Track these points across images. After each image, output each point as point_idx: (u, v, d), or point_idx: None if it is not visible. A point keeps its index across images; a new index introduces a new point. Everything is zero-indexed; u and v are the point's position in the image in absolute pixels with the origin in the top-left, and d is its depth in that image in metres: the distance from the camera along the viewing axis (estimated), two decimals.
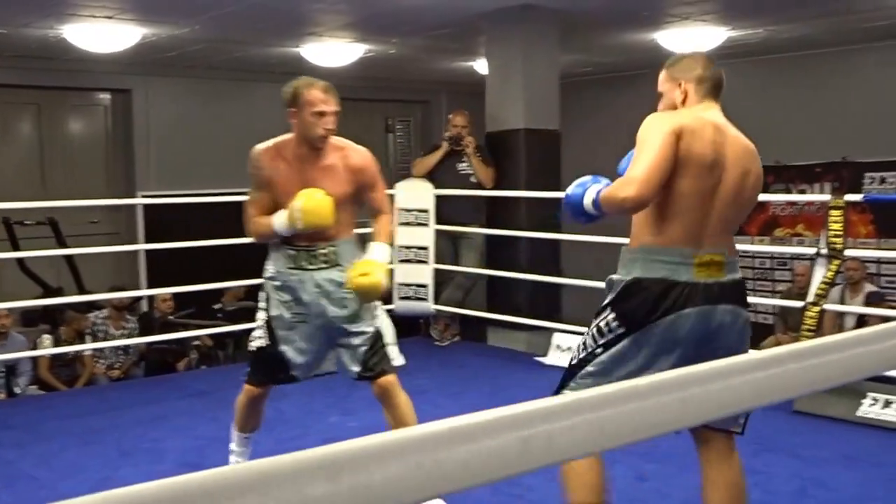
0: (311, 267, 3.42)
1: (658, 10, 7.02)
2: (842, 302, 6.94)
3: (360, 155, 3.50)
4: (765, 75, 9.54)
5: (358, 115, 11.16)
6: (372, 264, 3.36)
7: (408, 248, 6.73)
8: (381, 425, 3.49)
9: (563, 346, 5.96)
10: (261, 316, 3.50)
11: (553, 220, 6.63)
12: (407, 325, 7.88)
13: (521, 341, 6.62)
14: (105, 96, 9.65)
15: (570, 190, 2.83)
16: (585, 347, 2.73)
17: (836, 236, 4.78)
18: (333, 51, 8.26)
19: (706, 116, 2.66)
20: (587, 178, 2.83)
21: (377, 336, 3.49)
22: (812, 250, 5.02)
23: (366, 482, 0.75)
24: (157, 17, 6.78)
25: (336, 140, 3.44)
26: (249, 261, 5.03)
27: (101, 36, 7.06)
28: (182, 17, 6.86)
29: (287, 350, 3.46)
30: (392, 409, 3.48)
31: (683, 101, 2.73)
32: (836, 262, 4.83)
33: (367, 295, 3.37)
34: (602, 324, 2.68)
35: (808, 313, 4.83)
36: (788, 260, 8.77)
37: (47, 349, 6.83)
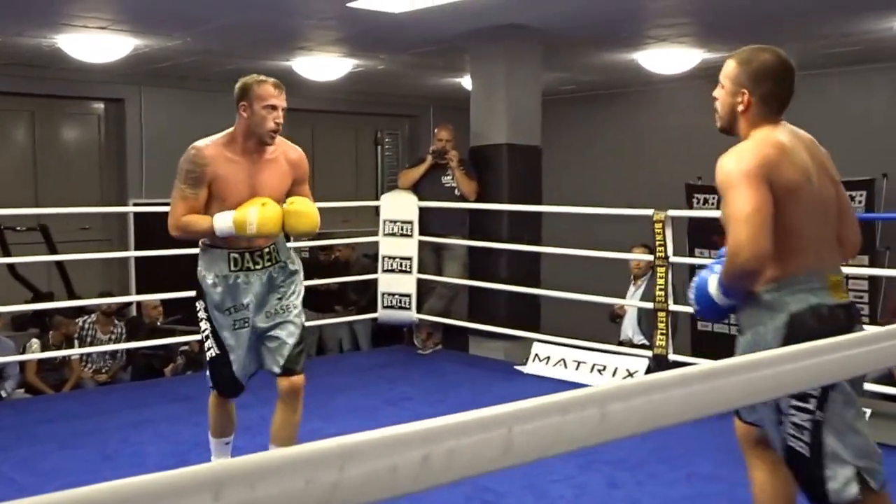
0: (256, 267, 3.39)
1: (637, 32, 7.06)
2: None
3: (296, 151, 3.54)
4: None
5: (348, 128, 11.20)
6: (304, 200, 3.39)
7: (392, 258, 6.72)
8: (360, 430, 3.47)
9: (542, 356, 5.97)
10: (206, 326, 3.44)
11: None
12: (390, 334, 7.90)
13: (502, 350, 6.63)
14: (98, 105, 9.61)
15: (696, 293, 2.53)
16: (803, 427, 2.29)
17: None
18: (323, 65, 8.26)
19: (780, 138, 2.40)
20: (704, 272, 2.52)
21: (303, 332, 3.51)
22: None
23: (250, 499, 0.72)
24: (150, 28, 6.77)
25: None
26: None
27: (95, 46, 7.04)
28: (174, 30, 6.85)
29: (234, 360, 3.42)
30: (291, 412, 3.45)
31: (744, 112, 2.46)
32: None
33: (302, 220, 3.36)
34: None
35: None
36: None
37: (35, 353, 6.77)
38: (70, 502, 0.67)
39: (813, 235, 2.38)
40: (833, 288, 2.37)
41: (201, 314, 3.44)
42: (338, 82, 8.90)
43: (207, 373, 3.53)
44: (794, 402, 2.28)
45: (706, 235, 9.29)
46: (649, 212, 5.42)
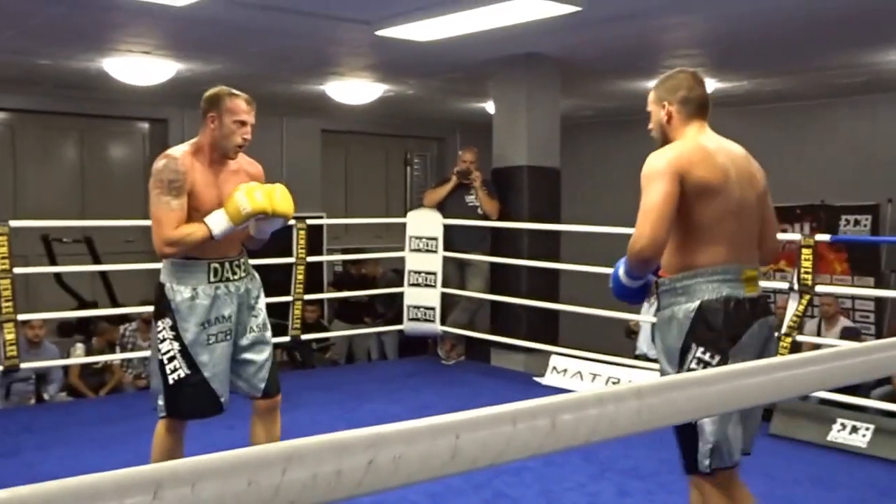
0: (234, 278, 3.18)
1: (652, 62, 7.06)
2: (818, 334, 6.92)
3: (255, 166, 3.32)
4: (749, 124, 9.55)
5: (379, 149, 11.25)
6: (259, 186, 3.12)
7: (417, 272, 6.73)
8: None
9: (560, 368, 5.95)
10: (171, 346, 3.09)
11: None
12: (416, 345, 7.91)
13: (522, 362, 6.62)
14: (143, 125, 9.70)
15: (612, 278, 2.72)
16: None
17: (806, 273, 4.86)
18: (355, 90, 8.30)
19: (703, 142, 2.56)
20: (621, 260, 2.70)
21: (274, 352, 3.35)
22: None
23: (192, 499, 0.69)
24: (191, 53, 6.84)
25: None
26: (270, 278, 5.00)
27: (139, 69, 7.11)
28: (213, 55, 6.91)
29: (211, 378, 3.11)
30: (274, 424, 3.29)
31: (668, 121, 2.63)
32: (807, 296, 4.90)
33: (288, 198, 3.14)
34: (693, 365, 2.45)
35: (782, 343, 4.84)
36: (771, 294, 8.73)
37: (79, 357, 6.82)
38: (19, 499, 0.65)
39: (729, 232, 2.50)
40: (747, 281, 2.50)
41: (164, 334, 3.10)
42: (370, 106, 8.94)
43: (161, 400, 3.16)
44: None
45: None
46: None
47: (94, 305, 7.96)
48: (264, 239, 3.32)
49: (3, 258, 5.09)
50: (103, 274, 8.21)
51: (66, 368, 6.80)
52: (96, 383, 7.03)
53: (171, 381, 3.11)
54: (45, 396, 6.50)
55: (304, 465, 0.75)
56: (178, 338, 3.08)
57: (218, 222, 3.03)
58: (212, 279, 3.12)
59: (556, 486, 3.90)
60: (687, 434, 2.49)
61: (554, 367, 6.00)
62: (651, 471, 4.12)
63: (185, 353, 3.08)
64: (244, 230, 3.21)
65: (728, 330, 2.43)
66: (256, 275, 3.35)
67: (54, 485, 0.67)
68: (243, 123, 3.11)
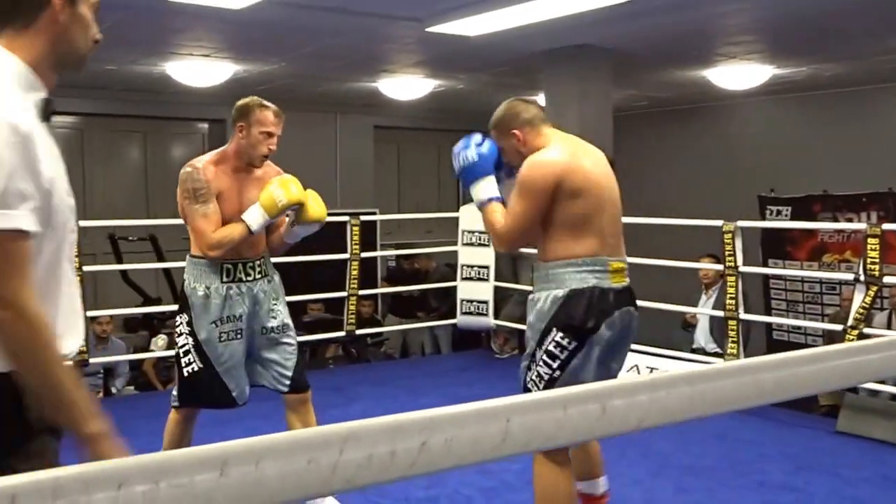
0: (248, 279, 3.25)
1: (707, 50, 6.93)
2: (888, 327, 6.72)
3: (275, 169, 3.40)
4: (810, 110, 9.36)
5: (431, 144, 11.25)
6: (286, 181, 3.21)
7: (470, 266, 6.72)
8: None
9: None
10: (187, 341, 3.24)
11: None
12: (469, 338, 7.90)
13: None
14: (203, 125, 9.86)
15: (465, 162, 2.92)
16: (542, 377, 2.69)
17: (873, 263, 4.69)
18: (406, 85, 8.32)
19: (572, 149, 2.74)
20: (479, 143, 2.90)
21: (299, 348, 3.42)
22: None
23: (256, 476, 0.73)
24: (249, 55, 6.92)
25: None
26: (325, 276, 5.05)
27: (199, 72, 7.23)
28: (270, 56, 6.98)
29: (223, 373, 3.23)
30: (308, 414, 3.34)
31: (524, 144, 2.77)
32: (874, 287, 4.73)
33: (320, 202, 3.25)
34: (551, 347, 2.66)
35: (848, 336, 4.71)
36: (837, 285, 8.53)
37: (161, 349, 6.97)
38: (96, 472, 0.68)
39: (598, 227, 2.68)
40: (614, 273, 2.69)
41: (182, 328, 3.25)
42: (421, 101, 8.95)
43: (175, 391, 3.33)
44: (545, 358, 2.70)
45: (779, 246, 9.07)
46: (718, 223, 5.30)
47: (159, 301, 8.12)
48: (290, 244, 3.42)
49: (74, 256, 5.20)
50: (167, 271, 8.37)
51: (132, 363, 6.95)
52: (166, 378, 7.18)
53: (185, 374, 3.25)
54: (113, 390, 6.66)
55: (361, 445, 0.77)
56: (192, 333, 3.22)
57: (255, 217, 3.14)
58: (224, 279, 3.22)
59: (612, 483, 3.84)
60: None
61: None
62: (709, 467, 4.06)
63: (198, 348, 3.21)
64: (274, 230, 3.33)
65: (588, 318, 2.62)
66: (276, 277, 3.42)
67: (147, 457, 0.71)
68: (270, 135, 3.21)
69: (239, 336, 3.24)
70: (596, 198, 2.68)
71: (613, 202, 2.77)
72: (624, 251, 2.81)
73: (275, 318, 3.32)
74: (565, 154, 2.70)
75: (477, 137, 2.92)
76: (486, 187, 2.83)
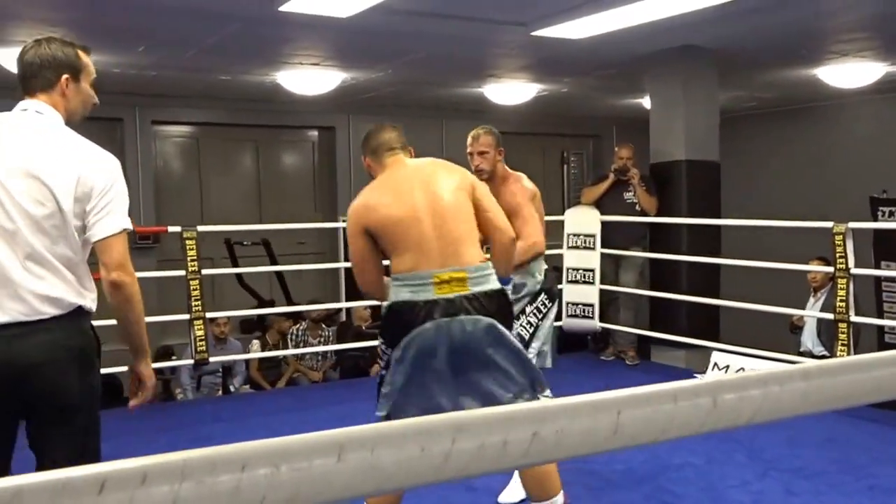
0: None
1: (817, 48, 6.70)
2: None
3: (515, 176, 3.88)
4: None
5: (536, 148, 11.22)
6: None
7: (575, 269, 6.68)
8: None
9: (721, 364, 5.74)
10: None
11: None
12: (574, 341, 7.84)
13: (682, 359, 6.45)
14: (313, 133, 10.10)
15: None
16: (380, 372, 2.91)
17: None
18: (512, 90, 8.33)
19: (383, 186, 2.90)
20: None
21: None
22: None
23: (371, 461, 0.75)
24: (357, 63, 7.05)
25: None
26: None
27: (309, 80, 7.40)
28: (377, 63, 7.10)
29: None
30: None
31: (372, 172, 3.02)
32: None
33: None
34: (380, 350, 2.90)
35: None
36: None
37: (256, 352, 7.20)
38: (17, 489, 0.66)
39: (414, 242, 2.74)
40: (438, 285, 2.69)
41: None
42: (526, 105, 8.95)
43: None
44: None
45: (892, 248, 8.67)
46: (829, 224, 5.13)
47: (272, 304, 8.37)
48: None
49: (193, 260, 5.40)
50: (279, 274, 8.62)
51: (247, 362, 7.19)
52: (274, 376, 7.39)
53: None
54: (231, 388, 6.89)
55: (473, 435, 0.78)
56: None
57: None
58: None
59: (720, 484, 3.78)
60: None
61: (715, 364, 5.80)
62: (819, 470, 3.92)
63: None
64: None
65: (397, 329, 2.72)
66: None
67: (268, 442, 0.74)
68: (471, 155, 3.72)
69: None
70: (402, 226, 2.77)
71: (441, 215, 2.77)
72: (470, 257, 2.76)
73: None
74: (367, 197, 2.88)
75: None
76: None
